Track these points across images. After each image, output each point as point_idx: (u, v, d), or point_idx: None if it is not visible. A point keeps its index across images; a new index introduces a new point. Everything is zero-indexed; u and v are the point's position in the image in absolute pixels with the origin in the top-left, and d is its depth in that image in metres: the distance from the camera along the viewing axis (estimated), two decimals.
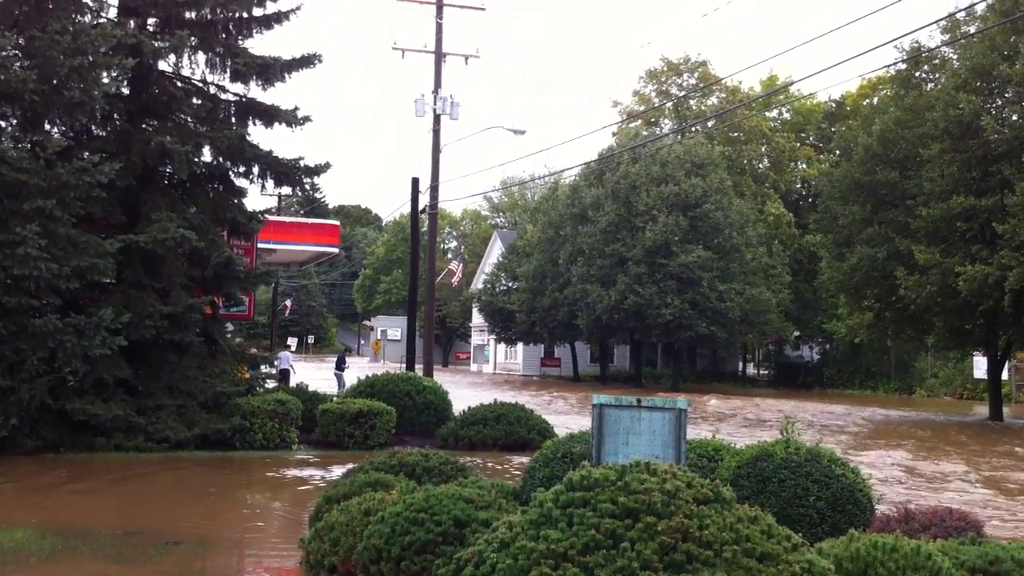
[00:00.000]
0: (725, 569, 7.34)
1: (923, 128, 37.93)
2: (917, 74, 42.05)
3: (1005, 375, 47.43)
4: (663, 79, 72.04)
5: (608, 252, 52.44)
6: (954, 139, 36.51)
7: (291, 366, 37.31)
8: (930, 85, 41.15)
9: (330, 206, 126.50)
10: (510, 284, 66.73)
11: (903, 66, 41.63)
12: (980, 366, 47.76)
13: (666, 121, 72.37)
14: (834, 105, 71.06)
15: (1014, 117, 37.11)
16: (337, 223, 39.98)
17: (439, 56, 36.20)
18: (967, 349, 46.52)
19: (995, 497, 17.97)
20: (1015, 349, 43.30)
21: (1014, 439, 30.55)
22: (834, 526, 9.82)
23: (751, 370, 70.06)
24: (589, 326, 54.39)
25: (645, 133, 69.61)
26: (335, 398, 23.99)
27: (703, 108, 69.11)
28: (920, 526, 9.80)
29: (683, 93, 69.83)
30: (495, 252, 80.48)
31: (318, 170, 22.94)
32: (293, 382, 29.79)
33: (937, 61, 41.41)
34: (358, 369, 49.69)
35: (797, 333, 63.29)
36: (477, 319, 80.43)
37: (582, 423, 23.83)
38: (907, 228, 38.45)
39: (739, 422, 31.84)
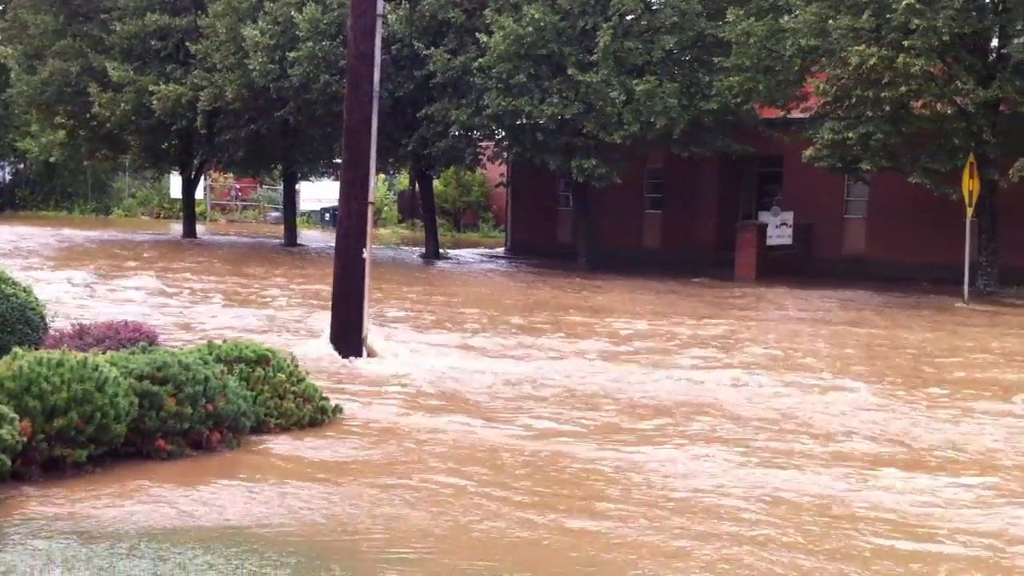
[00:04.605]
0: None
1: None
2: None
3: (200, 194, 49.33)
4: None
5: None
6: None
7: None
8: None
9: None
10: None
11: None
12: (177, 185, 48.90)
13: None
14: None
15: None
16: None
17: None
18: (164, 168, 47.33)
19: (171, 308, 18.62)
20: (209, 168, 45.11)
21: (200, 254, 32.02)
22: (3, 347, 9.28)
23: None
24: None
25: None
26: None
27: None
28: (94, 340, 9.78)
29: None
30: None
31: None
32: None
33: None
34: None
35: None
36: None
37: None
38: (102, 43, 37.48)
39: None
